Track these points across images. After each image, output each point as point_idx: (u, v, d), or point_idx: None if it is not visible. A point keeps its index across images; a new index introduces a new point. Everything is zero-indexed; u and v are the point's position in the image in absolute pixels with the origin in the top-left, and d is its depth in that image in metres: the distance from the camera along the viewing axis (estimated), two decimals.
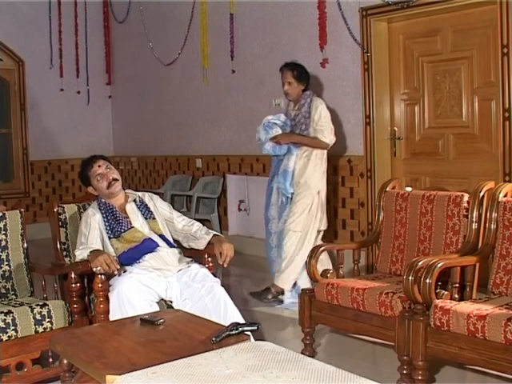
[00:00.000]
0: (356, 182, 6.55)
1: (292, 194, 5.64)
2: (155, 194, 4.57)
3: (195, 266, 4.08)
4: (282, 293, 5.59)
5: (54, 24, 9.65)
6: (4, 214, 4.19)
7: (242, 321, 3.58)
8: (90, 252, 3.86)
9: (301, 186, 5.60)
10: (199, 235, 4.28)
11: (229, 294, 3.88)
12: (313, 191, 5.61)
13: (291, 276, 5.54)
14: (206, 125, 8.45)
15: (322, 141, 5.57)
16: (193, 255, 4.35)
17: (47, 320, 3.73)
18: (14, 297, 4.12)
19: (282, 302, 5.57)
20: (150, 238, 4.11)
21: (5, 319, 3.58)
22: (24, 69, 9.48)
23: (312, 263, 4.19)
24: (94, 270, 3.74)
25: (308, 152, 5.62)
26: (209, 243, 4.23)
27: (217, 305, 3.78)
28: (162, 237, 4.18)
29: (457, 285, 3.69)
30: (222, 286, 3.93)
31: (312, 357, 3.69)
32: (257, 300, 5.57)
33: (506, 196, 3.85)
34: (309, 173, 5.61)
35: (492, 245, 3.83)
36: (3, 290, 4.10)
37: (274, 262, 5.72)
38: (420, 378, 3.49)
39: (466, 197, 4.03)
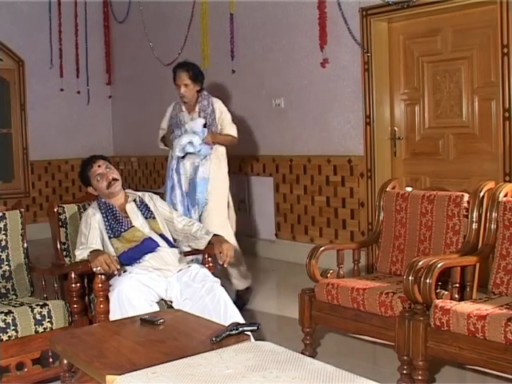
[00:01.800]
0: (356, 182, 6.55)
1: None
2: (155, 193, 4.57)
3: (195, 266, 4.08)
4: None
5: (54, 24, 9.65)
6: (4, 213, 4.20)
7: (242, 321, 3.58)
8: (90, 252, 3.86)
9: (211, 192, 5.40)
10: (199, 235, 4.28)
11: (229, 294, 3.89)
12: (225, 196, 5.54)
13: (245, 273, 5.64)
14: None
15: (234, 137, 5.54)
16: (192, 255, 4.37)
17: (47, 320, 3.73)
18: (14, 297, 4.12)
19: None
20: (150, 238, 4.11)
21: (5, 319, 3.58)
22: (24, 69, 9.47)
23: (312, 263, 4.18)
24: (94, 269, 3.74)
25: (215, 154, 5.46)
26: (209, 243, 4.24)
27: (217, 305, 3.78)
28: (162, 236, 4.18)
29: (457, 285, 3.69)
30: (222, 285, 3.94)
31: (312, 357, 3.69)
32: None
33: (506, 196, 3.85)
34: (219, 177, 5.47)
35: (492, 245, 3.83)
36: (3, 290, 4.10)
37: None
38: (420, 378, 3.49)
39: (466, 197, 4.03)
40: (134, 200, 4.30)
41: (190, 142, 5.30)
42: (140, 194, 4.41)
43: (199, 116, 5.47)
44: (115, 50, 10.24)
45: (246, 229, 8.09)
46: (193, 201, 5.39)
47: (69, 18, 9.78)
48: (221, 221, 5.38)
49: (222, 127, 5.47)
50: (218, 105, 5.56)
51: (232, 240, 5.22)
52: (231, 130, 5.49)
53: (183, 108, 5.56)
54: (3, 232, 4.16)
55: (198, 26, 8.29)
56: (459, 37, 5.76)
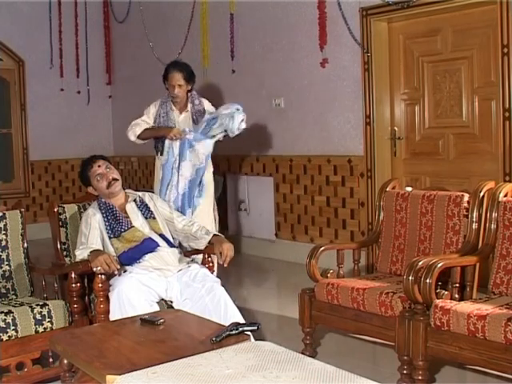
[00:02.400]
0: (356, 181, 6.55)
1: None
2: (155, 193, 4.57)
3: (195, 266, 4.08)
4: None
5: (54, 24, 9.65)
6: (4, 213, 4.19)
7: (242, 321, 3.58)
8: (91, 252, 3.86)
9: (203, 191, 5.50)
10: (199, 235, 4.28)
11: (228, 294, 3.88)
12: (213, 197, 5.63)
13: None
14: None
15: None
16: (192, 255, 4.37)
17: (47, 320, 3.73)
18: (14, 297, 4.12)
19: None
20: (150, 238, 4.11)
21: (5, 319, 3.58)
22: (24, 69, 9.47)
23: (312, 263, 4.18)
24: (95, 269, 3.74)
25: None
26: (209, 243, 4.24)
27: (217, 305, 3.78)
28: (162, 236, 4.18)
29: (457, 285, 3.69)
30: (222, 285, 3.94)
31: (312, 357, 3.68)
32: None
33: (506, 196, 3.85)
34: (209, 178, 5.58)
35: (492, 245, 3.83)
36: (3, 290, 4.10)
37: None
38: (420, 377, 3.49)
39: (466, 197, 4.03)
40: (134, 200, 4.30)
41: (243, 120, 5.31)
42: (140, 193, 4.41)
43: (192, 115, 5.54)
44: (115, 50, 10.24)
45: (245, 229, 8.10)
46: (190, 201, 5.39)
47: (69, 17, 9.78)
48: (210, 221, 5.42)
49: None
50: (207, 104, 5.66)
51: None
52: None
53: (173, 107, 5.58)
54: (3, 232, 4.15)
55: (198, 26, 8.29)
56: (459, 37, 5.76)
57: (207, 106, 5.66)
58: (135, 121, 5.62)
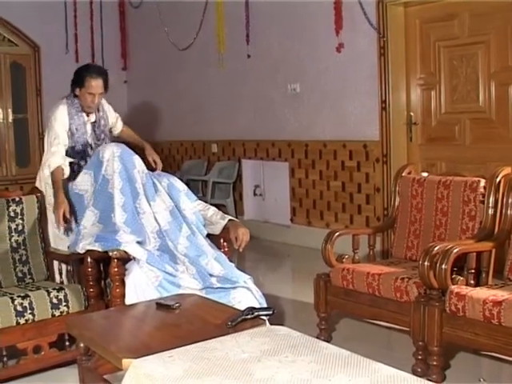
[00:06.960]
0: (372, 167, 6.53)
1: None
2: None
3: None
4: None
5: (69, 9, 9.64)
6: (21, 198, 4.23)
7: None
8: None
9: None
10: (215, 220, 4.28)
11: None
12: None
13: None
14: (221, 109, 8.44)
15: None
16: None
17: (64, 304, 3.75)
18: (30, 281, 4.15)
19: None
20: None
21: (22, 303, 3.61)
22: (40, 54, 9.49)
23: (327, 248, 4.18)
24: (110, 254, 3.76)
25: None
26: (224, 228, 4.23)
27: None
28: None
29: (473, 270, 3.67)
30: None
31: (327, 342, 3.69)
32: None
33: None
34: None
35: (508, 230, 3.81)
36: (20, 274, 4.13)
37: None
38: (435, 363, 3.49)
39: (483, 182, 4.01)
40: None
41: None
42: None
43: (100, 122, 4.86)
44: (130, 35, 10.24)
45: (261, 214, 8.11)
46: None
47: (84, 3, 9.77)
48: None
49: (118, 125, 5.18)
50: (112, 112, 5.11)
51: None
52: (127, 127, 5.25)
53: (86, 118, 4.78)
54: (20, 217, 4.18)
55: (214, 11, 8.26)
56: (476, 21, 5.71)
57: (108, 105, 5.02)
58: (51, 147, 4.51)
